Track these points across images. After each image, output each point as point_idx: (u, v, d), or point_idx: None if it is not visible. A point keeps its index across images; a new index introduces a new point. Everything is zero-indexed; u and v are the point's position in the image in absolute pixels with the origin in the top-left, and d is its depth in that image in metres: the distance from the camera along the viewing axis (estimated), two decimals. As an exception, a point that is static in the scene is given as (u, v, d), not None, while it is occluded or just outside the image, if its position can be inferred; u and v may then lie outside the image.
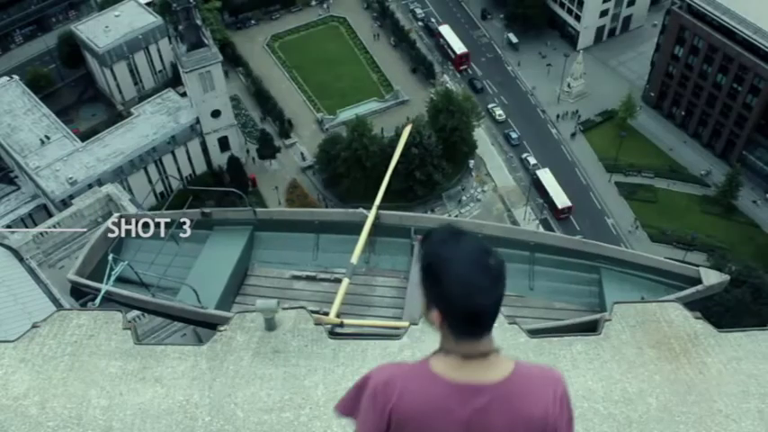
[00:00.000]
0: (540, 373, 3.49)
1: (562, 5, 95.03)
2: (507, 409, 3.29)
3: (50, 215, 62.21)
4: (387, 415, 3.34)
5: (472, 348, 3.28)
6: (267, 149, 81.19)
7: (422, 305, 3.32)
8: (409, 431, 3.35)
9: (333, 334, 7.59)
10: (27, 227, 56.96)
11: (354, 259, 9.08)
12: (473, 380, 3.28)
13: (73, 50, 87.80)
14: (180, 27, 74.72)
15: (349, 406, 3.56)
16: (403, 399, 3.31)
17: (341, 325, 8.01)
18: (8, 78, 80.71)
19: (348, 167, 75.63)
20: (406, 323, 7.60)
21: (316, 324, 7.39)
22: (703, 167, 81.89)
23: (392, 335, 7.40)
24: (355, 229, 9.61)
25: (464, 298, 3.17)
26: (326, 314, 8.27)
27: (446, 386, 3.28)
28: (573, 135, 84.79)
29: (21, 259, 45.35)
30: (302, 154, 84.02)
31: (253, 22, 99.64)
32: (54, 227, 50.14)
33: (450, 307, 3.20)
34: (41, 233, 49.17)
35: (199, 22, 75.84)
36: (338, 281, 9.24)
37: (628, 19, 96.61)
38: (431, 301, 3.26)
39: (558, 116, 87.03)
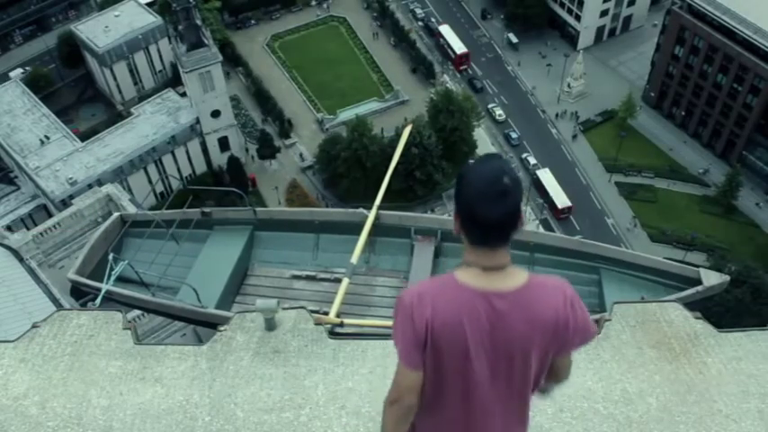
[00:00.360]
0: (552, 281, 3.88)
1: (562, 5, 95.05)
2: (525, 312, 3.71)
3: (50, 215, 62.14)
4: (424, 326, 3.69)
5: (488, 260, 3.70)
6: (267, 149, 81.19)
7: (453, 216, 3.81)
8: (445, 337, 3.70)
9: (333, 334, 7.59)
10: (27, 227, 56.91)
11: (354, 259, 9.08)
12: (494, 287, 3.69)
13: (72, 50, 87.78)
14: (180, 27, 74.71)
15: (395, 333, 3.87)
16: (437, 309, 3.68)
17: (341, 325, 8.01)
18: (21, 71, 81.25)
19: (348, 167, 75.64)
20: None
21: (316, 324, 7.39)
22: (702, 166, 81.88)
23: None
24: (355, 228, 9.61)
25: (471, 206, 3.63)
26: (326, 314, 8.27)
27: (471, 292, 3.68)
28: (574, 137, 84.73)
29: (21, 259, 45.41)
30: (301, 154, 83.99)
31: (253, 21, 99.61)
32: (54, 227, 50.20)
33: (462, 213, 3.69)
34: (41, 233, 49.25)
35: (199, 22, 75.85)
36: (338, 281, 9.25)
37: (628, 19, 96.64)
38: (455, 209, 3.75)
39: (557, 114, 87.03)
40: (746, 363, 6.87)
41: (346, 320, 8.13)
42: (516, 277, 3.75)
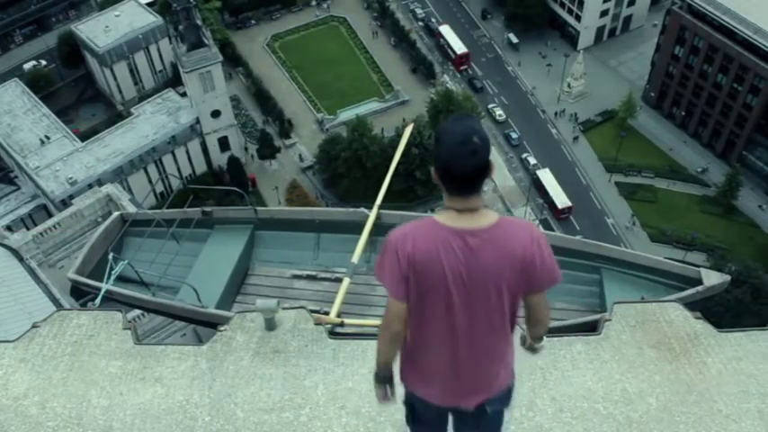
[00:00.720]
0: (520, 222, 4.41)
1: (562, 5, 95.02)
2: (494, 247, 4.20)
3: (50, 215, 62.17)
4: (406, 260, 4.21)
5: (462, 204, 4.22)
6: (267, 149, 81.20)
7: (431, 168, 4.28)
8: (425, 269, 4.21)
9: (333, 334, 7.58)
10: (27, 227, 56.95)
11: (355, 258, 9.06)
12: (467, 226, 4.19)
13: (73, 50, 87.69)
14: (180, 27, 74.66)
15: (380, 266, 4.37)
16: (417, 245, 4.21)
17: (341, 324, 8.00)
18: (34, 63, 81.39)
19: (348, 167, 75.60)
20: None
21: (316, 324, 7.39)
22: (700, 165, 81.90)
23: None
24: (356, 228, 9.60)
25: (448, 162, 4.14)
26: (327, 314, 8.26)
27: (448, 230, 4.20)
28: (575, 138, 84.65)
29: (21, 259, 45.43)
30: (300, 155, 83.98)
31: (253, 21, 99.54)
32: (54, 227, 50.25)
33: (440, 169, 4.18)
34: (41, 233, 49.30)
35: (199, 22, 75.86)
36: (339, 280, 9.23)
37: (628, 19, 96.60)
38: (436, 167, 4.21)
39: (555, 113, 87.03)
40: (746, 363, 6.88)
41: (347, 320, 8.11)
42: (487, 217, 4.25)
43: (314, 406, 6.46)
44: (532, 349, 5.11)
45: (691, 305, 8.11)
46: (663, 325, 7.30)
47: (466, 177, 4.17)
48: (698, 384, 6.62)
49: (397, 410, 6.38)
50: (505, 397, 4.95)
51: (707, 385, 6.61)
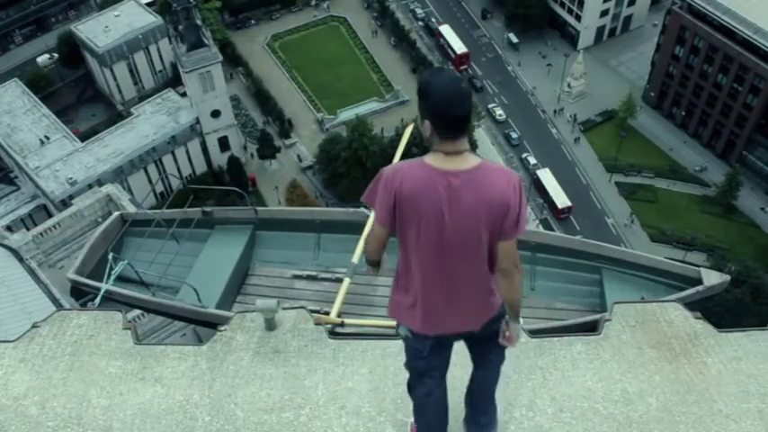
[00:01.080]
0: (500, 168, 4.82)
1: (562, 5, 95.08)
2: (474, 188, 4.63)
3: (50, 215, 62.20)
4: (393, 193, 4.70)
5: (451, 147, 4.64)
6: (267, 149, 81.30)
7: (418, 122, 4.72)
8: (410, 203, 4.70)
9: (333, 334, 7.59)
10: (27, 227, 57.06)
11: (356, 259, 9.06)
12: (452, 167, 4.63)
13: (72, 50, 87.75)
14: (180, 27, 74.80)
15: (370, 195, 4.89)
16: (404, 180, 4.69)
17: (342, 325, 8.00)
18: (48, 57, 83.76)
19: (348, 167, 75.62)
20: (406, 323, 7.58)
21: (316, 324, 7.39)
22: (698, 164, 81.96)
23: (393, 335, 7.39)
24: (357, 228, 9.59)
25: (443, 110, 4.56)
26: (327, 314, 8.27)
27: (433, 171, 4.65)
28: (576, 140, 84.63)
29: (21, 259, 45.50)
30: (299, 156, 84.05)
31: (253, 22, 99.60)
32: (54, 227, 50.33)
33: (436, 116, 4.59)
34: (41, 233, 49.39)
35: (199, 22, 76.00)
36: (339, 280, 9.23)
37: (628, 19, 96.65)
38: (423, 115, 4.64)
39: (554, 111, 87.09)
40: (746, 363, 6.87)
41: (347, 320, 8.12)
42: (470, 161, 4.68)
43: (314, 406, 6.47)
44: (510, 338, 5.29)
45: (691, 305, 8.11)
46: (663, 325, 7.30)
47: (459, 120, 4.60)
48: (698, 384, 6.62)
49: (398, 410, 6.40)
50: (499, 317, 5.25)
51: (707, 385, 6.61)
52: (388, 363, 6.93)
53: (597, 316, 7.64)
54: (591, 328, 7.52)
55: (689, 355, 6.94)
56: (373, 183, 4.89)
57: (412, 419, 5.96)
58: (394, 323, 7.98)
